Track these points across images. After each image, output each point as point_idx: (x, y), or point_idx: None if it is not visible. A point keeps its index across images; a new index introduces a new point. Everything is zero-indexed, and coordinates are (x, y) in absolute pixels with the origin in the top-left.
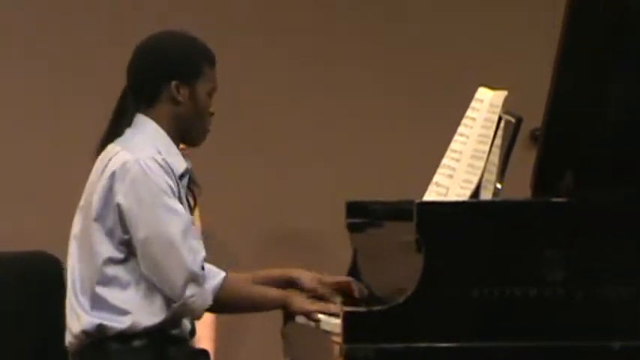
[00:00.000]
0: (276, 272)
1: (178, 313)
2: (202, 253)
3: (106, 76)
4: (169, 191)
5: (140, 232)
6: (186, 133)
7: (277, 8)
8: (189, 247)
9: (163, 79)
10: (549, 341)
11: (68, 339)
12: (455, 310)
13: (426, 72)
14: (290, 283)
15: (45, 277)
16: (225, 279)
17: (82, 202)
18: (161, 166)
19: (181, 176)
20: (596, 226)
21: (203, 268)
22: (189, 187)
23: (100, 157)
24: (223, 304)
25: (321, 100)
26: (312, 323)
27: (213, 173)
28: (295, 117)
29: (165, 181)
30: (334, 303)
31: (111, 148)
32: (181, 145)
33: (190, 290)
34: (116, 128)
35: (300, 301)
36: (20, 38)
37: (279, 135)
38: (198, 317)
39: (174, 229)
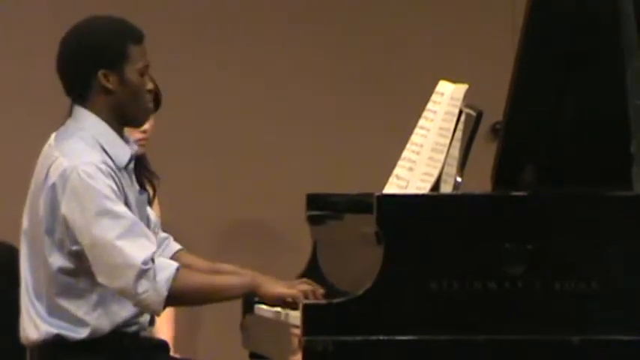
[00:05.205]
0: (229, 269)
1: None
2: (152, 249)
3: None
4: (111, 194)
5: (85, 239)
6: (126, 117)
7: (244, 3)
8: (135, 246)
9: (89, 70)
10: (508, 335)
11: (24, 340)
12: (414, 303)
13: (387, 66)
14: None
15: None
16: (178, 269)
17: (30, 197)
18: (100, 169)
19: (126, 165)
20: (556, 220)
21: (153, 262)
22: (146, 177)
23: (42, 155)
24: (182, 295)
25: (281, 92)
26: (271, 314)
27: (172, 165)
28: (255, 109)
29: (106, 184)
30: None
31: (50, 150)
32: (137, 134)
33: (142, 286)
34: None
35: (267, 285)
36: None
37: (238, 127)
38: (158, 313)
39: (117, 231)
